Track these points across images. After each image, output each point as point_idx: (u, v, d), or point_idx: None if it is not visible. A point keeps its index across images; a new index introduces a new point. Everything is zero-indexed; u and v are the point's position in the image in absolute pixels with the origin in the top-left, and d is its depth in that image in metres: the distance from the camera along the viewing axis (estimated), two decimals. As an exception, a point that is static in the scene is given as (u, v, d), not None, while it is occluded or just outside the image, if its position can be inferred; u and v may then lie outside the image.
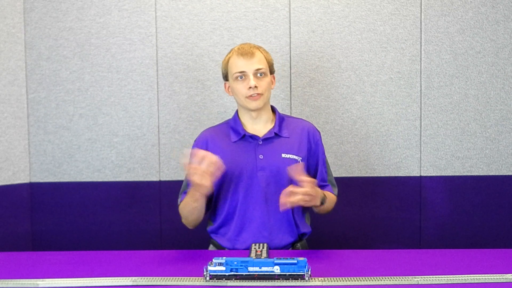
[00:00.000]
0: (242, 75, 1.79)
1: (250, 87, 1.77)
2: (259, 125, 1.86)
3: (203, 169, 1.58)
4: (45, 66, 2.44)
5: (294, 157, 1.82)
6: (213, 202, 1.87)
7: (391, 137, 2.45)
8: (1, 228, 2.40)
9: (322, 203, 1.73)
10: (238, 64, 1.80)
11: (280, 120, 1.88)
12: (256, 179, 1.78)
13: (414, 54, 2.42)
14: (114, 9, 2.43)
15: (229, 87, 1.87)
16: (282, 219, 1.80)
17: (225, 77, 1.88)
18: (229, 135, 1.86)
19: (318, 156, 1.88)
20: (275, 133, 1.84)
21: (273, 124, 1.87)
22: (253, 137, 1.83)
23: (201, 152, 1.60)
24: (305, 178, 1.62)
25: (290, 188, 1.60)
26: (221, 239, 1.86)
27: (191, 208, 1.76)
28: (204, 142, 1.86)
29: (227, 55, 1.87)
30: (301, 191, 1.60)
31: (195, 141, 1.90)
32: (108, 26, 2.43)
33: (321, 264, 1.57)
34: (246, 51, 1.80)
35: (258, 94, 1.78)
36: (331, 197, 1.86)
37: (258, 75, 1.79)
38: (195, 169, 1.58)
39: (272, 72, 1.87)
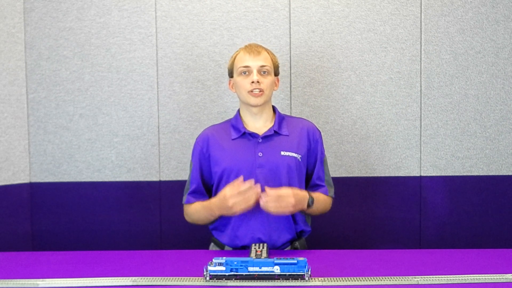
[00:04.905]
0: (247, 70, 1.83)
1: (252, 82, 1.81)
2: (259, 123, 1.88)
3: (247, 200, 1.69)
4: (45, 66, 2.44)
5: (294, 154, 1.84)
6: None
7: (391, 137, 2.45)
8: (1, 228, 2.40)
9: (309, 205, 1.78)
10: (244, 59, 1.85)
11: (280, 119, 1.91)
12: (255, 176, 1.79)
13: (414, 54, 2.42)
14: (114, 9, 2.43)
15: (233, 84, 1.90)
16: (281, 216, 1.81)
17: (230, 74, 1.92)
18: (230, 133, 1.88)
19: (316, 154, 1.90)
20: (275, 131, 1.86)
21: (273, 123, 1.89)
22: (253, 135, 1.85)
23: (247, 184, 1.68)
24: (283, 192, 1.71)
25: (268, 193, 1.69)
26: (221, 235, 1.88)
27: (204, 218, 1.86)
28: (205, 140, 1.89)
29: (235, 53, 1.92)
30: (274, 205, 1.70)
31: (196, 139, 1.92)
32: (108, 26, 2.43)
33: (321, 264, 1.57)
34: (253, 49, 1.86)
35: (260, 90, 1.81)
36: (322, 199, 1.88)
37: (262, 72, 1.83)
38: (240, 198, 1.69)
39: (276, 74, 1.91)
